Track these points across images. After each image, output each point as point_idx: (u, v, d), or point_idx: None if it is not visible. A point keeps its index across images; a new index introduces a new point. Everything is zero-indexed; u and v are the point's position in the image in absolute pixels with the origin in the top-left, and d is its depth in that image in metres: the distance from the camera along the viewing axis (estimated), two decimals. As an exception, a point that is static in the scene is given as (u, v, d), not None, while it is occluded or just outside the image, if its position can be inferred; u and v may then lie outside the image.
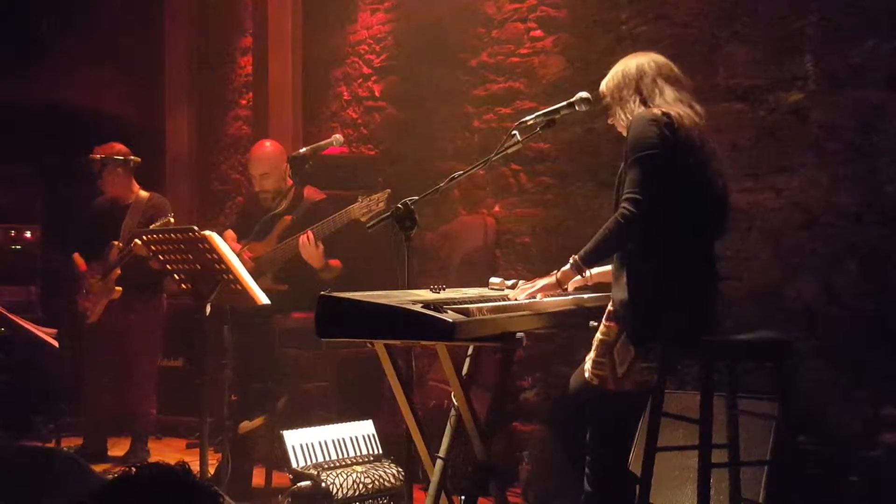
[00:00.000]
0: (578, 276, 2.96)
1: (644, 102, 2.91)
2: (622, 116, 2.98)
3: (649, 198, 2.74)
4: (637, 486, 2.83)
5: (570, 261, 2.90)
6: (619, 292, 2.82)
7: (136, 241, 4.82)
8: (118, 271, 5.03)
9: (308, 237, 4.27)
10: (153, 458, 5.23)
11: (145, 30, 7.28)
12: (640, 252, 2.80)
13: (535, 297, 2.98)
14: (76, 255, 5.25)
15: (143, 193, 5.31)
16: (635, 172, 2.78)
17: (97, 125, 6.28)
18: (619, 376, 2.80)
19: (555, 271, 2.97)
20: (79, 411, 5.47)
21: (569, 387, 3.05)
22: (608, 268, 3.09)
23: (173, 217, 4.88)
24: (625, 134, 2.94)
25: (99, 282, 5.10)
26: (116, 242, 5.09)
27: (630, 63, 3.02)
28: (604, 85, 3.07)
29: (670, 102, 2.87)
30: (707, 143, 2.89)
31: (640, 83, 2.94)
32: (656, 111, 2.82)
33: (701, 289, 2.84)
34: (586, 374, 2.89)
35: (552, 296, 3.07)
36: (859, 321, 3.55)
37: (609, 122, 3.11)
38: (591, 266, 2.94)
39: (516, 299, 3.00)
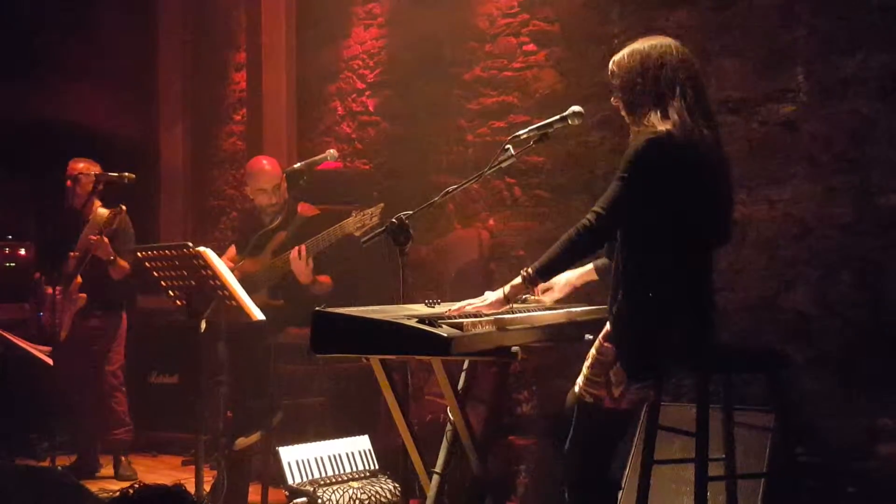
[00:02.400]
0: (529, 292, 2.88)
1: (658, 105, 2.70)
2: (630, 115, 2.80)
3: (612, 216, 2.66)
4: (619, 494, 2.81)
5: (521, 275, 2.79)
6: (618, 318, 2.73)
7: (92, 237, 4.89)
8: (79, 280, 5.04)
9: (301, 251, 4.27)
10: (149, 476, 5.22)
11: (139, 46, 7.28)
12: (638, 277, 2.71)
13: (480, 314, 2.83)
14: (37, 274, 5.26)
15: (102, 210, 5.22)
16: (611, 189, 2.69)
17: (91, 141, 6.27)
18: (616, 396, 2.74)
19: (503, 287, 2.85)
20: (70, 428, 5.44)
21: (566, 403, 3.00)
22: (589, 267, 3.08)
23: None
24: (628, 121, 2.82)
25: (60, 293, 5.07)
26: (73, 253, 5.09)
27: (652, 52, 2.76)
28: (615, 65, 2.83)
29: (686, 110, 2.68)
30: (716, 156, 2.74)
31: (658, 82, 2.72)
32: (661, 130, 2.66)
33: (701, 311, 2.77)
34: (576, 389, 2.84)
35: (543, 308, 3.06)
36: (855, 332, 3.55)
37: (612, 102, 2.91)
38: (545, 279, 2.84)
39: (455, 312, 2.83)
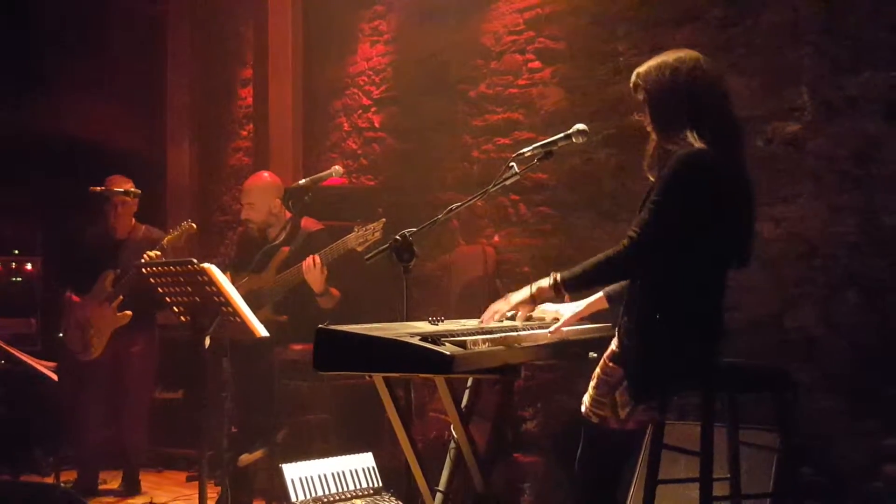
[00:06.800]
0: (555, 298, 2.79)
1: (691, 122, 2.62)
2: (661, 132, 2.71)
3: (650, 240, 2.58)
4: None
5: (551, 279, 2.73)
6: (628, 339, 2.68)
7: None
8: (121, 299, 5.01)
9: (314, 260, 4.28)
10: (153, 492, 5.20)
11: (147, 61, 7.33)
12: (657, 297, 2.65)
13: (508, 316, 2.84)
14: (69, 293, 5.21)
15: (139, 226, 5.30)
16: (649, 211, 2.59)
17: (98, 156, 6.30)
18: (622, 417, 2.68)
19: (530, 286, 2.78)
20: (75, 445, 5.42)
21: (571, 420, 2.97)
22: (599, 295, 2.99)
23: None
24: (654, 138, 2.75)
25: (99, 312, 5.05)
26: (112, 272, 5.06)
27: (681, 68, 2.66)
28: (641, 77, 2.73)
29: (717, 130, 2.64)
30: (745, 179, 2.70)
31: (689, 100, 2.64)
32: (698, 148, 2.58)
33: (711, 333, 2.73)
34: (583, 409, 2.81)
35: (535, 323, 3.04)
36: (860, 351, 3.54)
37: (636, 117, 2.85)
38: (572, 292, 2.78)
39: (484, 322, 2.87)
